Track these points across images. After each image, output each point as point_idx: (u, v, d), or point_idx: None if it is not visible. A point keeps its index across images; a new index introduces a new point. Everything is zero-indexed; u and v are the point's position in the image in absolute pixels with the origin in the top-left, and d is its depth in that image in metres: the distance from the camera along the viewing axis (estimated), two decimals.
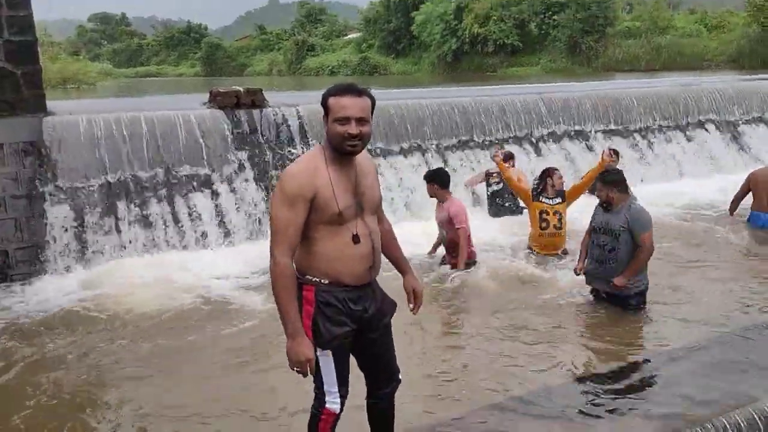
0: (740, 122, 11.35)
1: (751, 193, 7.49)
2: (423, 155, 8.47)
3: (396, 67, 44.74)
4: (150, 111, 7.14)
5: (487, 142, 8.97)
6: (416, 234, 6.76)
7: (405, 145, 8.42)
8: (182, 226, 6.75)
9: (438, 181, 6.06)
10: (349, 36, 58.08)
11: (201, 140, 7.13)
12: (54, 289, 5.68)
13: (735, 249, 6.66)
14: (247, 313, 5.16)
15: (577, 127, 9.84)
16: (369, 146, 7.96)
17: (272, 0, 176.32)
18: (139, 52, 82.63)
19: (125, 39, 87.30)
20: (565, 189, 6.58)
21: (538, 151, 9.22)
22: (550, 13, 35.45)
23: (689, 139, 10.60)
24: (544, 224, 6.44)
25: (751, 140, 11.09)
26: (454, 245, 5.96)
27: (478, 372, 4.04)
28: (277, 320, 2.55)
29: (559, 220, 6.44)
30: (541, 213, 6.45)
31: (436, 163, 8.29)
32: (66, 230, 6.22)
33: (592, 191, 6.13)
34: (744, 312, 4.87)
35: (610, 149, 7.12)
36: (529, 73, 33.09)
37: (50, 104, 6.81)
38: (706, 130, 10.88)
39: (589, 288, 5.18)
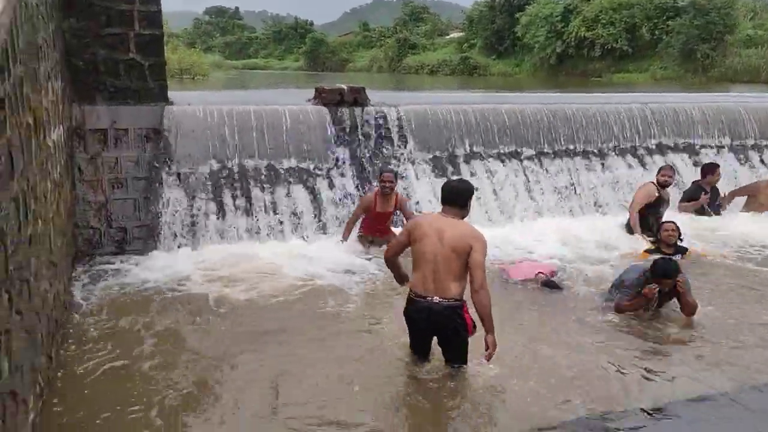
0: None
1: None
2: (520, 161, 8.42)
3: (496, 68, 44.20)
4: (259, 105, 7.52)
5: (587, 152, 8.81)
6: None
7: (503, 150, 8.39)
8: (281, 216, 7.09)
9: None
10: (450, 35, 57.90)
11: (304, 135, 7.45)
12: (165, 266, 6.14)
13: None
14: (344, 295, 5.64)
15: (684, 141, 9.46)
16: (466, 150, 8.08)
17: None
18: (248, 44, 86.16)
19: (237, 32, 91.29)
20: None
21: (643, 164, 8.93)
22: (665, 18, 33.77)
23: None
24: None
25: None
26: None
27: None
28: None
29: None
30: None
31: (534, 170, 8.27)
32: (179, 212, 6.70)
33: None
34: None
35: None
36: (637, 80, 31.73)
37: (170, 94, 7.32)
38: None
39: None
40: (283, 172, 7.26)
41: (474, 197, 4.27)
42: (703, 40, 30.96)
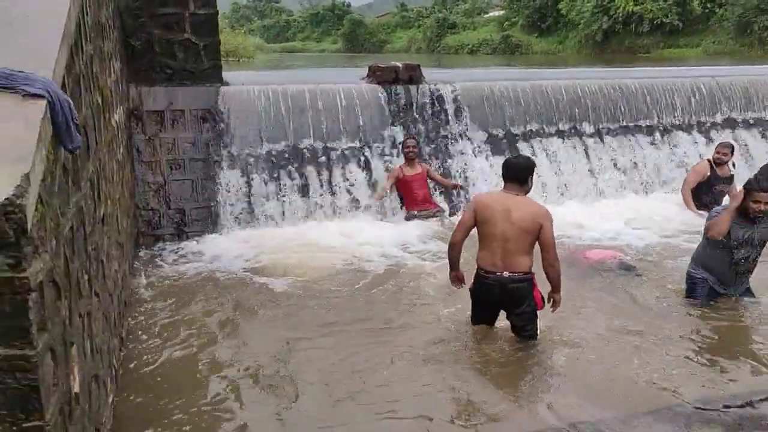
0: None
1: None
2: (580, 138, 8.11)
3: (539, 46, 43.05)
4: (314, 84, 7.38)
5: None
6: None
7: (562, 127, 8.09)
8: (337, 197, 6.97)
9: None
10: (491, 14, 56.72)
11: (360, 114, 7.29)
12: (224, 248, 6.10)
13: None
14: (403, 274, 5.57)
15: (755, 115, 8.98)
16: (523, 127, 7.83)
17: None
18: (286, 27, 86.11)
19: (274, 15, 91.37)
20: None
21: (710, 140, 8.51)
22: None
23: None
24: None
25: None
26: None
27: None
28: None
29: None
30: None
31: (595, 147, 7.96)
32: (236, 193, 6.64)
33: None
34: None
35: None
36: (688, 55, 30.51)
37: (224, 74, 7.23)
38: None
39: None
40: (338, 151, 7.13)
41: (534, 174, 4.22)
42: (762, 12, 29.48)
